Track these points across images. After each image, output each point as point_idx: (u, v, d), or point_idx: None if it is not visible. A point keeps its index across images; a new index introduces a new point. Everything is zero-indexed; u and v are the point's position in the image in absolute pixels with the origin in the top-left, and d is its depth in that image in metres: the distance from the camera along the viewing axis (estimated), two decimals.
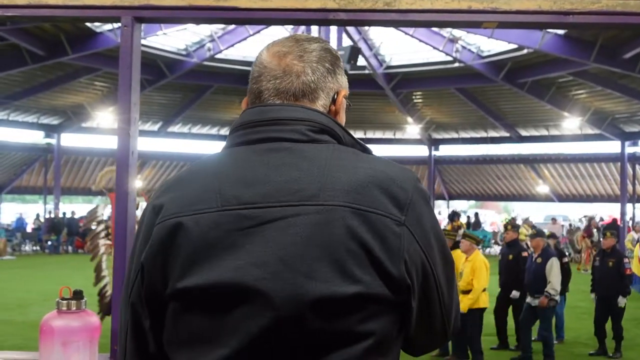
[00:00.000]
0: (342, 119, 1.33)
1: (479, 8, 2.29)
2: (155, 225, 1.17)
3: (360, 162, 1.17)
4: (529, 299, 8.42)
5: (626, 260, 9.35)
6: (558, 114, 24.47)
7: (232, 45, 21.07)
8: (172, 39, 20.73)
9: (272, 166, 1.15)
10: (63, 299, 2.10)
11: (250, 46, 21.68)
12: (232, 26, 20.50)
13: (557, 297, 8.36)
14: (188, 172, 1.23)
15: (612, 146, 27.82)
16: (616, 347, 8.95)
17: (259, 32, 20.20)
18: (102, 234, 9.40)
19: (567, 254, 11.39)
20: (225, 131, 30.91)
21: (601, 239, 11.65)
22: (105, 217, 9.55)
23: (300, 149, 1.17)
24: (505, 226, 8.97)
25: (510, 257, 9.23)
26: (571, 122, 25.18)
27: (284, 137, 1.19)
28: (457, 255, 8.02)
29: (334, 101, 1.29)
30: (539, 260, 8.38)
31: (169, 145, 31.76)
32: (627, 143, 26.74)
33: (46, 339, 2.07)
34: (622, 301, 8.91)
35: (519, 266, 8.92)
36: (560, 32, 17.59)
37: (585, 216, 29.76)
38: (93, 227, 9.37)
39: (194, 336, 1.12)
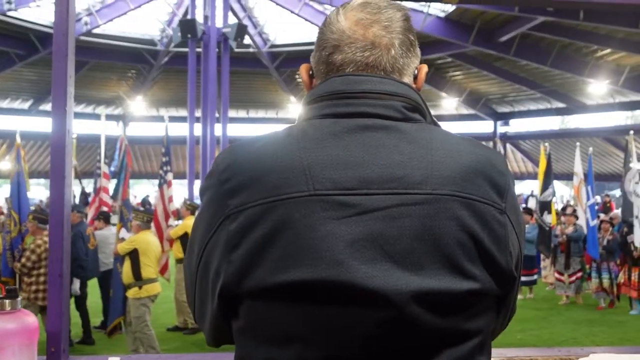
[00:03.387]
0: None
1: None
2: (229, 212, 1.01)
3: (460, 145, 1.07)
4: None
5: None
6: (436, 95, 25.31)
7: (111, 20, 20.16)
8: (45, 12, 19.52)
9: (370, 147, 1.02)
10: None
11: (130, 21, 20.86)
12: (111, 0, 19.62)
13: None
14: (264, 144, 1.07)
15: (485, 126, 29.17)
16: None
17: (140, 6, 19.45)
18: None
19: None
20: (100, 109, 29.69)
21: None
22: None
23: (398, 128, 1.05)
24: None
25: None
26: (448, 103, 26.13)
27: (378, 114, 1.06)
28: None
29: (415, 78, 1.17)
30: None
31: (41, 125, 30.02)
32: (499, 123, 28.16)
33: None
34: None
35: None
36: (442, 14, 18.12)
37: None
38: None
39: (277, 334, 1.00)
